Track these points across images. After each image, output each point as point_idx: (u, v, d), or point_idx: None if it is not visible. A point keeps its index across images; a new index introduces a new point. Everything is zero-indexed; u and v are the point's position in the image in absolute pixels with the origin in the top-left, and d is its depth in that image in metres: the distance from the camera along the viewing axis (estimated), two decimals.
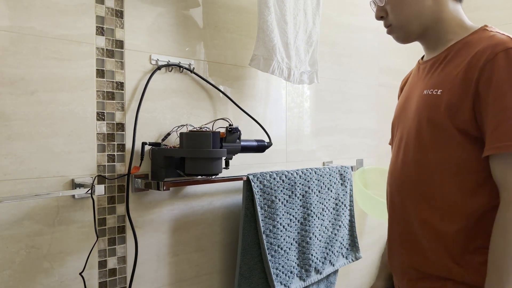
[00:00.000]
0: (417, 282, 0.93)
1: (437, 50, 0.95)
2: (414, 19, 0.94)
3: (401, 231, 0.96)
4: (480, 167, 0.83)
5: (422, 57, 1.04)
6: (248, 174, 1.36)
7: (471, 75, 0.82)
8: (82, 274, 1.08)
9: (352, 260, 1.74)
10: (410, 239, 0.94)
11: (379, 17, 0.98)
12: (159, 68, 1.23)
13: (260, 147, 1.35)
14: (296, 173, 1.50)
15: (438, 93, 0.87)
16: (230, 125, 1.26)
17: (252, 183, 1.35)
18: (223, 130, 1.25)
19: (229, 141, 1.24)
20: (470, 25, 0.94)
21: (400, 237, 0.97)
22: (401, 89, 1.14)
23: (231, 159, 1.30)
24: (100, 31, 1.13)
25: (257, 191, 1.36)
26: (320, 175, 1.59)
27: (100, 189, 1.05)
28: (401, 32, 0.97)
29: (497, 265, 0.79)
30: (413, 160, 0.92)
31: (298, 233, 1.50)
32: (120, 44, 1.17)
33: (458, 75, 0.85)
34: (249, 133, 1.49)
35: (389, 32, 0.99)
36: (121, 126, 1.18)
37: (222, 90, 1.39)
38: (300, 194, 1.51)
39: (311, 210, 1.54)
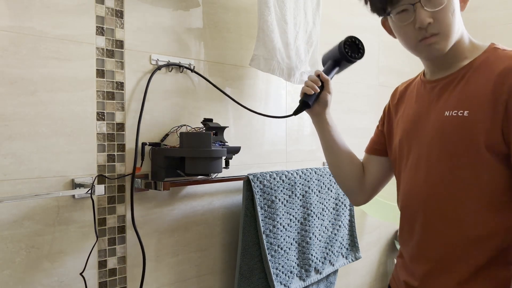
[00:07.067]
0: None
1: (450, 69, 0.91)
2: (457, 30, 0.88)
3: (423, 246, 0.94)
4: (509, 185, 0.84)
5: (423, 74, 0.99)
6: (248, 174, 1.36)
7: (498, 94, 0.81)
8: (82, 274, 1.08)
9: (352, 260, 1.74)
10: (436, 257, 0.91)
11: (427, 23, 0.84)
12: (159, 68, 1.23)
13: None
14: (296, 173, 1.50)
15: (464, 114, 0.85)
16: (204, 119, 1.26)
17: (252, 183, 1.35)
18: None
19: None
20: (478, 43, 0.92)
21: (424, 254, 0.94)
22: (394, 103, 1.07)
23: (231, 158, 1.30)
24: (100, 31, 1.13)
25: (257, 191, 1.36)
26: (320, 175, 1.59)
27: (100, 189, 1.05)
28: (446, 42, 0.87)
29: None
30: (440, 178, 0.90)
31: (298, 233, 1.50)
32: (120, 44, 1.17)
33: (486, 96, 0.83)
34: (249, 133, 1.49)
35: (431, 42, 0.87)
36: (121, 126, 1.17)
37: (222, 90, 1.39)
38: (300, 194, 1.50)
39: (311, 210, 1.54)
